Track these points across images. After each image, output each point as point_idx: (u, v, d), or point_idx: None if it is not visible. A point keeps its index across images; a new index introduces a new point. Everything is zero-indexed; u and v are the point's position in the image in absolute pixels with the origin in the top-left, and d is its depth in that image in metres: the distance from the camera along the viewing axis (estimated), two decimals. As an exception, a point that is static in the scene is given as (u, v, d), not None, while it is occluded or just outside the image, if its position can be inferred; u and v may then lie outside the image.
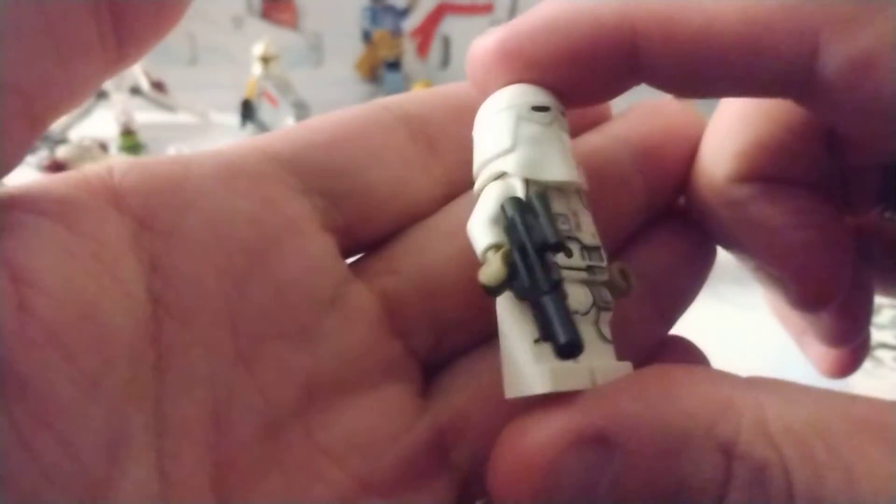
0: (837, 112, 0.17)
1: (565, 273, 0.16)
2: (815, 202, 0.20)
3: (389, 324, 0.19)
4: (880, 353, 0.47)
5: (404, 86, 0.91)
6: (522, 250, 0.15)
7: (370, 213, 0.19)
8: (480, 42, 0.18)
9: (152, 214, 0.15)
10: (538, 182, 0.17)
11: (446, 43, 0.97)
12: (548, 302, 0.15)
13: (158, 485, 0.14)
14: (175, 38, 0.94)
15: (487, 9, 0.95)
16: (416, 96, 0.20)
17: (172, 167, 0.16)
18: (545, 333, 0.15)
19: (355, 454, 0.17)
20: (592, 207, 0.18)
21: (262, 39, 0.83)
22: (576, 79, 0.17)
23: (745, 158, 0.20)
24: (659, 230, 0.22)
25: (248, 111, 0.83)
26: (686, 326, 0.23)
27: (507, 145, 0.17)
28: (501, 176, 0.17)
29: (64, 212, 0.14)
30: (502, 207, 0.16)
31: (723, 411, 0.14)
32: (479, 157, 0.18)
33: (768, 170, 0.20)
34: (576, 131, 0.20)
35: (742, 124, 0.20)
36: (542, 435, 0.14)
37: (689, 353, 0.22)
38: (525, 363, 0.15)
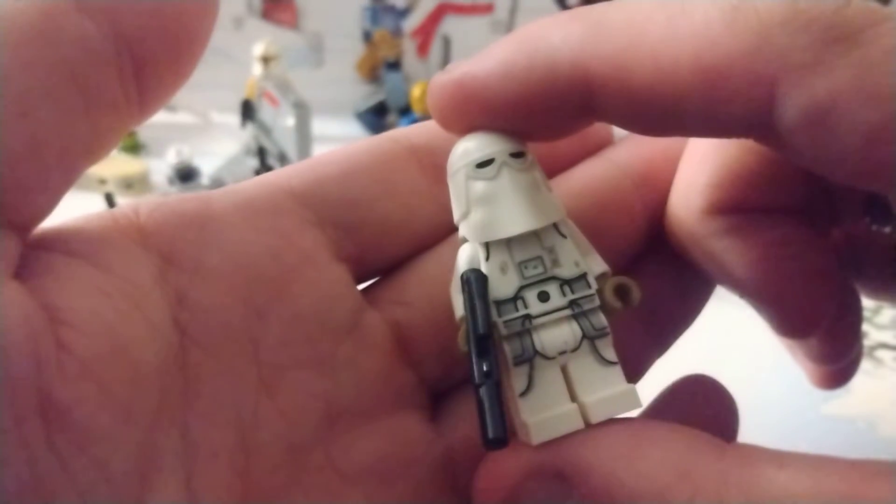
0: (799, 159, 0.16)
1: (543, 319, 0.17)
2: (795, 229, 0.20)
3: (401, 353, 0.19)
4: (881, 354, 0.47)
5: (404, 86, 0.91)
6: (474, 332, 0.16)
7: (382, 241, 0.19)
8: (439, 81, 0.18)
9: (177, 251, 0.16)
10: (497, 241, 0.17)
11: (446, 43, 0.97)
12: (482, 392, 0.16)
13: None
14: (175, 39, 0.94)
15: (488, 9, 0.95)
16: (423, 127, 0.21)
17: (195, 205, 0.17)
18: (479, 420, 0.16)
19: (373, 479, 0.18)
20: (592, 234, 0.18)
21: (262, 39, 0.83)
22: (532, 122, 0.18)
23: (718, 190, 0.20)
24: (658, 256, 0.22)
25: (248, 111, 0.83)
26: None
27: (463, 210, 0.18)
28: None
29: (95, 252, 0.15)
30: (462, 276, 0.17)
31: (679, 479, 0.14)
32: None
33: (743, 200, 0.20)
34: (577, 157, 0.21)
35: (715, 153, 0.20)
36: (509, 464, 0.16)
37: (711, 396, 0.22)
38: (515, 414, 0.17)
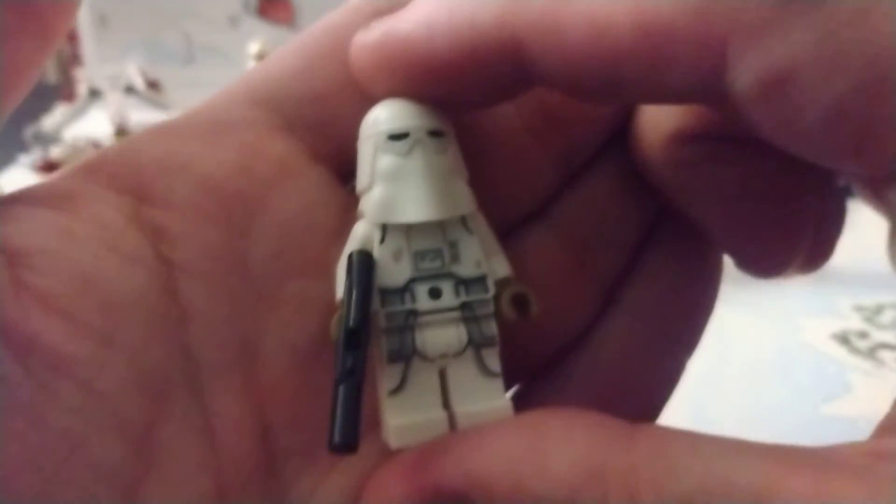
0: (757, 131, 0.15)
1: (429, 318, 0.16)
2: (770, 163, 0.18)
3: None
4: (882, 354, 0.47)
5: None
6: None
7: (358, 132, 0.18)
8: (359, 40, 0.17)
9: (147, 188, 0.16)
10: (395, 225, 0.16)
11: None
12: (339, 391, 0.14)
13: (202, 420, 0.15)
14: (170, 37, 0.94)
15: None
16: None
17: (158, 138, 0.17)
18: (329, 419, 0.14)
19: None
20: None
21: (257, 38, 0.82)
22: (459, 88, 0.16)
23: (691, 114, 0.18)
24: (662, 250, 0.21)
25: (243, 110, 0.82)
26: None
27: (366, 183, 0.16)
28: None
29: (62, 201, 0.15)
30: (349, 258, 0.16)
31: (589, 479, 0.13)
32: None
33: (716, 125, 0.18)
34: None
35: None
36: (400, 492, 0.15)
37: None
38: (382, 415, 0.16)
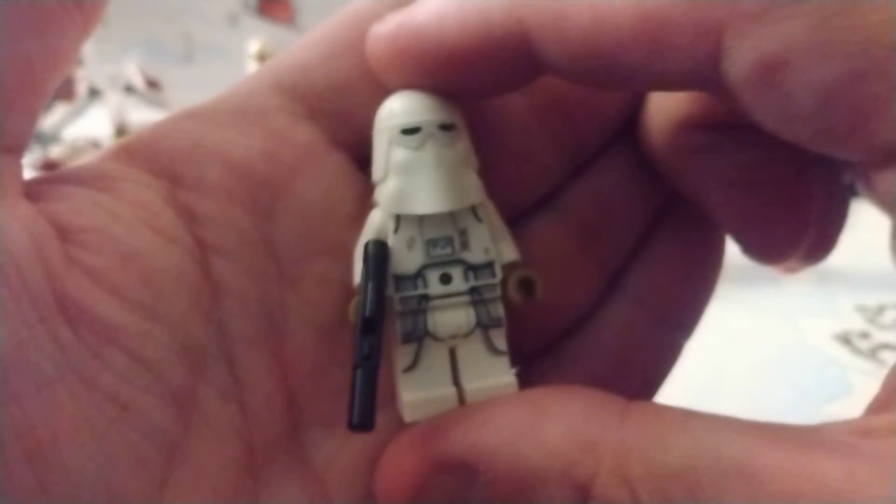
0: (754, 117, 0.15)
1: (440, 301, 0.17)
2: (775, 151, 0.18)
3: None
4: (884, 355, 0.47)
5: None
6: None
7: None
8: (374, 32, 0.17)
9: (180, 172, 0.17)
10: (408, 215, 0.17)
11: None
12: (357, 375, 0.16)
13: (236, 389, 0.17)
14: (170, 36, 0.94)
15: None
16: None
17: (188, 124, 0.18)
18: (349, 401, 0.16)
19: None
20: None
21: (257, 37, 0.82)
22: (469, 76, 0.17)
23: (699, 102, 0.19)
24: (665, 238, 0.21)
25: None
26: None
27: (381, 174, 0.17)
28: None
29: (106, 182, 0.16)
30: (365, 248, 0.17)
31: (582, 452, 0.14)
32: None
33: (725, 115, 0.18)
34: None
35: None
36: (411, 462, 0.16)
37: None
38: (397, 391, 0.17)
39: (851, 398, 0.43)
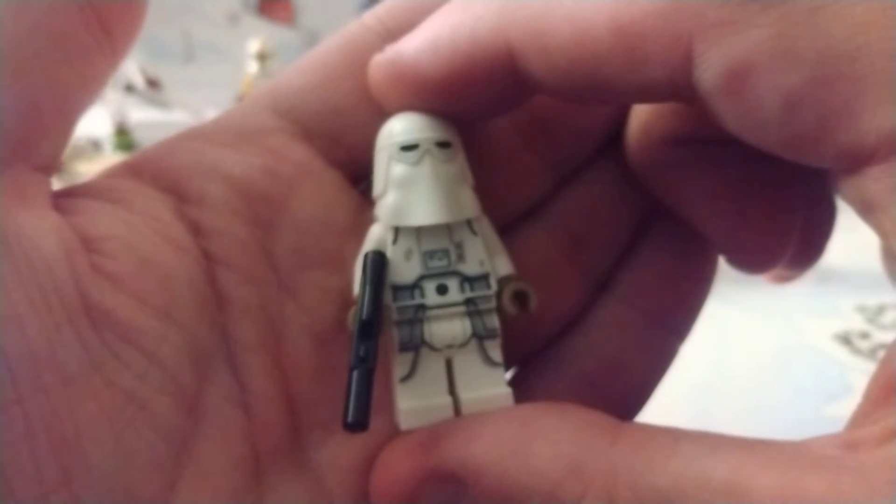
0: (722, 122, 0.15)
1: (436, 312, 0.18)
2: (759, 164, 0.19)
3: None
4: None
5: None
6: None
7: (368, 144, 0.19)
8: (375, 61, 0.18)
9: (184, 188, 0.18)
10: (406, 227, 0.18)
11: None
12: (353, 376, 0.16)
13: (240, 392, 0.17)
14: (170, 36, 0.94)
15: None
16: (394, 6, 0.20)
17: (191, 143, 0.19)
18: (344, 401, 0.16)
19: None
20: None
21: (257, 36, 0.82)
22: (464, 100, 0.18)
23: (679, 117, 0.19)
24: (653, 244, 0.22)
25: (243, 109, 0.82)
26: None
27: (381, 189, 0.18)
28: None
29: (120, 196, 0.17)
30: (364, 257, 0.18)
31: (569, 474, 0.15)
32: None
33: (705, 129, 0.19)
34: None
35: None
36: (405, 468, 0.17)
37: None
38: (394, 399, 0.18)
39: (851, 398, 0.43)
